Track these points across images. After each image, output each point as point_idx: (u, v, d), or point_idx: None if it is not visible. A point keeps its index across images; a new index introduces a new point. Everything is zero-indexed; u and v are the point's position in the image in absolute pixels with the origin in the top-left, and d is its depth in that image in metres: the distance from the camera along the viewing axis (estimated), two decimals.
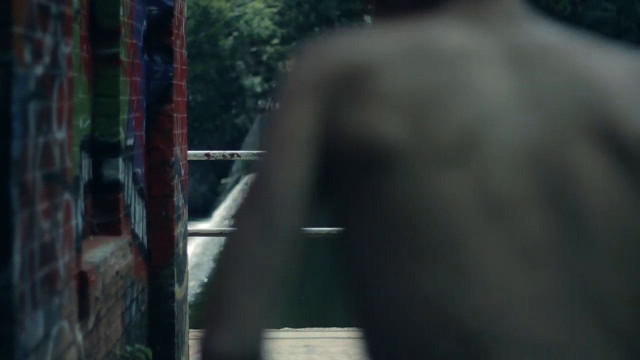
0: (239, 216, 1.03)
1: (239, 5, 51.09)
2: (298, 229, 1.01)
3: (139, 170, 4.58)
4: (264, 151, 1.05)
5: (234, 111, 51.48)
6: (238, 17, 50.46)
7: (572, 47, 1.07)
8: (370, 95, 0.97)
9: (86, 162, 4.02)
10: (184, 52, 5.16)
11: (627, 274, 0.97)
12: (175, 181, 4.85)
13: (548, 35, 1.07)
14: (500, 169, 0.97)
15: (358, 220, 0.98)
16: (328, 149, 0.99)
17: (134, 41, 4.49)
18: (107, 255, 3.78)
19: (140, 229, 4.59)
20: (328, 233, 6.96)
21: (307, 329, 6.57)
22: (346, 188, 0.99)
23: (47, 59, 2.51)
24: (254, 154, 7.14)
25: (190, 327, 5.82)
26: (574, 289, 0.96)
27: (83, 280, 3.28)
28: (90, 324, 3.51)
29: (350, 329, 6.97)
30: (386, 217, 0.96)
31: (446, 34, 1.02)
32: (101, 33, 4.15)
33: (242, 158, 7.21)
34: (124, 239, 4.15)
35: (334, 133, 0.98)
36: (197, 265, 21.96)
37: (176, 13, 4.88)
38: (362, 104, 0.98)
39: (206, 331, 1.08)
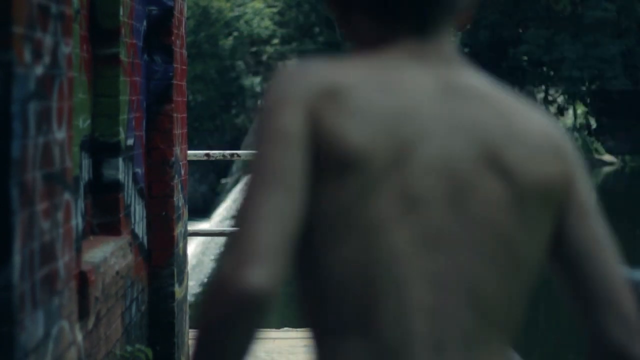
0: (251, 187, 1.29)
1: (239, 5, 51.08)
2: (301, 194, 1.26)
3: (139, 170, 4.58)
4: (263, 143, 1.29)
5: (234, 111, 51.48)
6: (238, 17, 50.45)
7: (487, 90, 1.41)
8: (341, 110, 1.28)
9: (86, 162, 4.02)
10: (184, 52, 5.16)
11: (497, 268, 1.33)
12: (175, 181, 4.85)
13: (472, 78, 1.41)
14: (420, 175, 1.29)
15: (314, 206, 1.28)
16: (314, 149, 1.27)
17: (134, 41, 4.49)
18: (107, 255, 3.78)
19: (140, 229, 4.59)
20: None
21: (307, 329, 6.58)
22: (314, 179, 1.27)
23: (47, 59, 2.51)
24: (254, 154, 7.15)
25: (190, 327, 5.82)
26: (456, 270, 1.31)
27: (83, 280, 3.28)
28: (90, 324, 3.51)
29: None
30: (333, 205, 1.28)
31: (398, 69, 1.35)
32: (101, 33, 4.15)
33: (242, 158, 7.21)
34: (124, 239, 4.15)
35: (314, 134, 1.27)
36: (197, 265, 21.96)
37: (176, 13, 4.88)
38: (333, 115, 1.28)
39: (235, 270, 1.23)
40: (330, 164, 1.28)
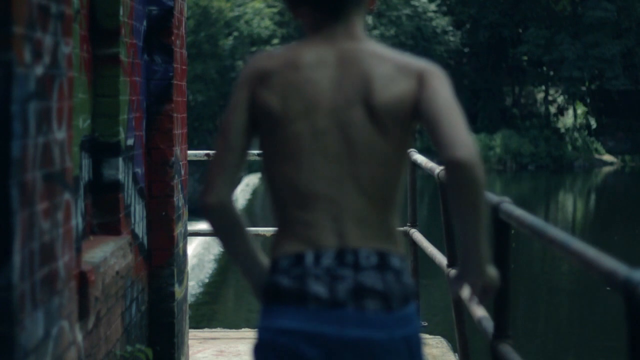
0: (216, 138, 2.26)
1: (239, 5, 51.10)
2: (243, 145, 2.26)
3: (139, 170, 4.58)
4: (227, 109, 2.28)
5: None
6: (238, 17, 50.48)
7: (369, 53, 2.24)
8: (265, 86, 2.21)
9: (86, 162, 4.02)
10: (184, 52, 5.16)
11: (370, 168, 2.20)
12: (175, 181, 4.85)
13: (366, 47, 2.26)
14: (320, 118, 2.19)
15: (264, 146, 2.26)
16: (253, 111, 2.24)
17: (134, 41, 4.49)
18: (107, 255, 3.78)
19: (140, 229, 4.59)
20: None
21: None
22: (259, 130, 2.25)
23: (47, 59, 2.51)
24: (253, 154, 7.14)
25: (190, 327, 5.82)
26: (346, 173, 2.19)
27: (83, 280, 3.28)
28: (90, 324, 3.51)
29: None
30: (273, 144, 2.23)
31: (309, 51, 2.23)
32: (101, 33, 4.15)
33: None
34: (124, 239, 4.15)
35: (253, 104, 2.23)
36: (197, 265, 21.96)
37: (176, 13, 4.88)
38: (262, 90, 2.21)
39: (201, 196, 2.33)
40: (263, 121, 2.23)
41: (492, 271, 2.35)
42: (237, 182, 2.31)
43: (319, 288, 2.18)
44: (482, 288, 2.36)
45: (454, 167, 2.21)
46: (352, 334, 2.16)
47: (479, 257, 2.26)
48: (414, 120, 2.25)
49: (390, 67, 2.21)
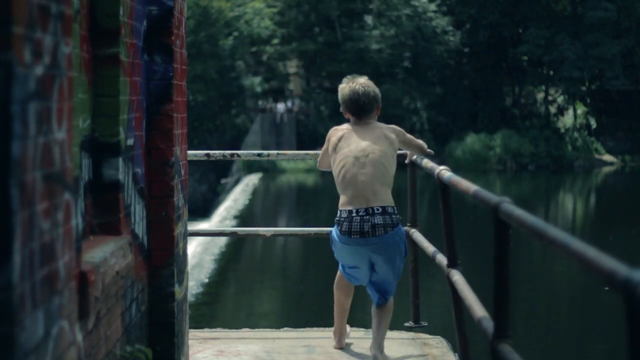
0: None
1: (239, 5, 51.09)
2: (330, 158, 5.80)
3: (139, 170, 4.58)
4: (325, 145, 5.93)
5: (234, 111, 51.52)
6: (238, 17, 50.47)
7: (376, 126, 5.78)
8: (338, 139, 5.77)
9: (86, 162, 4.03)
10: (184, 52, 5.15)
11: (379, 170, 5.56)
12: (175, 181, 4.85)
13: (373, 125, 5.77)
14: (357, 152, 5.63)
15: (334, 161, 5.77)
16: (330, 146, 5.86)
17: (134, 41, 4.49)
18: (107, 255, 3.78)
19: (140, 229, 4.59)
20: (327, 233, 6.96)
21: (307, 329, 6.57)
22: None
23: (47, 59, 2.51)
24: (254, 154, 7.15)
25: (190, 327, 5.82)
26: (369, 173, 5.53)
27: (83, 280, 3.28)
28: (90, 324, 3.51)
29: (350, 329, 6.95)
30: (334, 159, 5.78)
31: (355, 128, 5.79)
32: (101, 33, 4.15)
33: (242, 158, 7.21)
34: (124, 239, 4.15)
35: (331, 143, 5.84)
36: (197, 265, 21.96)
37: (176, 13, 4.88)
38: (337, 141, 5.77)
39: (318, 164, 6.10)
40: (335, 152, 5.70)
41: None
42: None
43: (356, 229, 5.45)
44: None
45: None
46: (372, 245, 5.49)
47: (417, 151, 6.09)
48: (398, 149, 5.79)
49: (385, 129, 5.72)
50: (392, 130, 5.68)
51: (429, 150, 6.06)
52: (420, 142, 6.02)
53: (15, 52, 2.26)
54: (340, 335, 5.96)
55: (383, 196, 5.45)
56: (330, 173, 5.73)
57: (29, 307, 2.37)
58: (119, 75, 4.18)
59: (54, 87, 2.57)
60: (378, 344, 5.51)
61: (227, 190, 41.39)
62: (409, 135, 5.90)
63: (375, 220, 5.41)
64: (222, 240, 25.17)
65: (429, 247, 5.73)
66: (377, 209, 5.41)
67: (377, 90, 5.80)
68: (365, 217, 5.41)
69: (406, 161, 6.45)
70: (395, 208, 5.51)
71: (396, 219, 5.47)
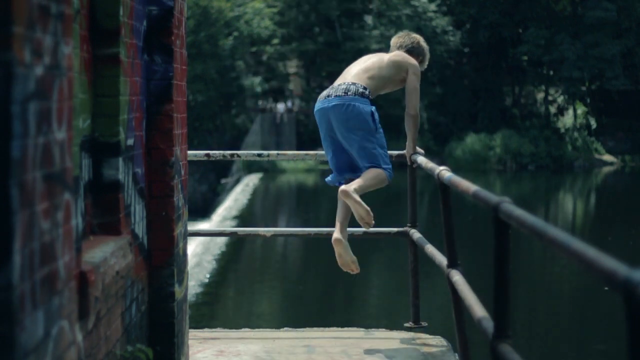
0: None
1: (239, 5, 51.07)
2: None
3: (139, 170, 4.58)
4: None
5: (234, 111, 51.51)
6: (238, 17, 50.45)
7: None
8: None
9: (86, 162, 4.03)
10: (184, 52, 5.15)
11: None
12: (175, 181, 4.85)
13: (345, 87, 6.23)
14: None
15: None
16: None
17: (134, 41, 4.49)
18: (107, 255, 3.78)
19: (140, 229, 4.59)
20: (328, 233, 6.96)
21: (307, 329, 6.57)
22: None
23: (47, 59, 2.51)
24: (254, 154, 7.14)
25: (190, 327, 5.82)
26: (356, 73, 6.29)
27: (83, 280, 3.28)
28: (90, 324, 3.51)
29: (350, 329, 6.96)
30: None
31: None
32: (101, 33, 4.15)
33: (242, 158, 7.21)
34: (124, 239, 4.15)
35: None
36: (197, 265, 21.96)
37: (176, 13, 4.88)
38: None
39: None
40: None
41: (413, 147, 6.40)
42: None
43: (327, 92, 6.18)
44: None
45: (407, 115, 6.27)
46: (334, 107, 6.09)
47: (410, 147, 6.34)
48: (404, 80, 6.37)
49: (405, 61, 6.44)
50: (410, 67, 6.26)
51: (418, 150, 6.37)
52: (414, 114, 6.26)
53: (15, 52, 2.26)
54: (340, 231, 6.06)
55: (363, 80, 6.16)
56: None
57: (29, 307, 2.37)
58: (119, 75, 4.18)
59: (54, 87, 2.57)
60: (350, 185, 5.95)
61: (227, 190, 41.38)
62: (414, 85, 6.25)
63: (343, 87, 6.13)
64: (222, 240, 25.17)
65: (428, 247, 5.73)
66: (350, 83, 6.13)
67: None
68: (338, 87, 6.15)
69: (407, 159, 6.46)
70: (370, 92, 6.13)
71: (364, 94, 6.09)
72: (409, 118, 6.25)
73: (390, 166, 6.13)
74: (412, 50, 6.39)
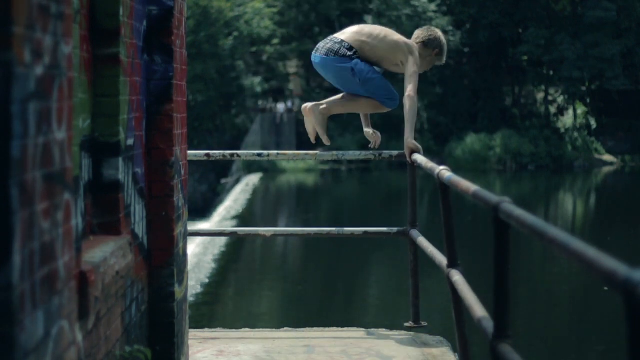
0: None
1: (239, 5, 51.05)
2: None
3: (139, 170, 4.58)
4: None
5: (234, 111, 51.50)
6: (238, 17, 50.44)
7: None
8: None
9: (86, 162, 4.02)
10: (184, 52, 5.15)
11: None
12: (175, 181, 4.85)
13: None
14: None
15: None
16: None
17: (134, 41, 4.49)
18: (107, 255, 3.78)
19: (140, 229, 4.59)
20: (328, 233, 6.96)
21: (307, 329, 6.57)
22: None
23: (47, 59, 2.51)
24: (254, 154, 7.14)
25: (190, 327, 5.82)
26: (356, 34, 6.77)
27: (83, 280, 3.28)
28: (90, 324, 3.51)
29: (350, 329, 6.96)
30: None
31: None
32: (101, 33, 4.15)
33: (242, 158, 7.21)
34: (124, 239, 4.15)
35: None
36: (197, 265, 21.95)
37: (176, 13, 4.88)
38: None
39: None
40: None
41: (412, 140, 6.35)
42: None
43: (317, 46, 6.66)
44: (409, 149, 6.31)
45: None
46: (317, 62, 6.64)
47: (408, 131, 6.32)
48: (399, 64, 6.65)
49: (407, 48, 6.64)
50: (409, 54, 6.55)
51: (416, 145, 6.52)
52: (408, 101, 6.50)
53: (15, 52, 2.26)
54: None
55: (353, 41, 6.55)
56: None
57: (29, 307, 2.37)
58: (119, 75, 4.18)
59: (54, 87, 2.57)
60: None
61: (227, 190, 41.38)
62: (413, 70, 6.53)
63: (329, 45, 6.59)
64: (222, 240, 25.16)
65: (428, 247, 5.73)
66: (338, 41, 6.57)
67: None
68: (325, 44, 6.63)
69: (406, 151, 6.47)
70: (354, 51, 6.52)
71: (346, 54, 6.49)
72: (407, 101, 6.45)
73: (390, 96, 6.65)
74: (428, 42, 6.65)
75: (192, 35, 46.86)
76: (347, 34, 6.63)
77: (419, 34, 6.73)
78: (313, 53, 6.71)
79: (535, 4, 54.35)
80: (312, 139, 6.85)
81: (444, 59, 6.73)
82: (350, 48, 6.52)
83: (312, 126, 6.78)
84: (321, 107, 6.73)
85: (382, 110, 6.78)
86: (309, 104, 6.77)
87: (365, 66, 6.53)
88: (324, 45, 6.63)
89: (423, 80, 55.51)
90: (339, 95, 6.77)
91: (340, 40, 6.57)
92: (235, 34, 49.99)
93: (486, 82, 55.12)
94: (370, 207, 32.32)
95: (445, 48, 6.73)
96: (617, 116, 55.49)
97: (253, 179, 43.32)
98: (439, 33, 6.77)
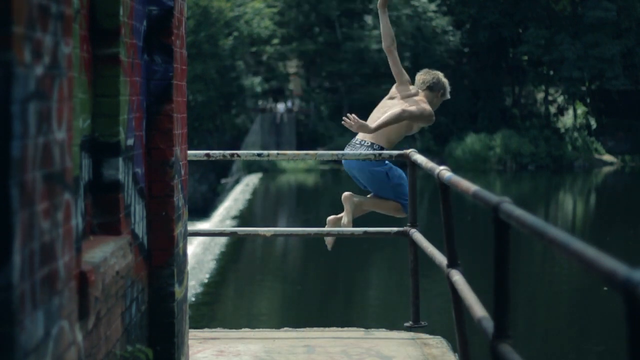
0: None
1: (239, 5, 51.05)
2: None
3: (139, 170, 4.58)
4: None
5: (234, 111, 51.51)
6: (238, 17, 50.44)
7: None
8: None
9: (86, 162, 4.02)
10: (184, 52, 5.15)
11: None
12: (175, 181, 4.85)
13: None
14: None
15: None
16: None
17: (134, 41, 4.49)
18: (107, 255, 3.78)
19: (140, 229, 4.59)
20: (328, 233, 6.96)
21: (307, 329, 6.57)
22: None
23: (47, 59, 2.51)
24: (254, 154, 7.14)
25: (190, 327, 5.82)
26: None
27: (83, 280, 3.28)
28: (90, 324, 3.51)
29: (350, 329, 6.96)
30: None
31: None
32: (101, 33, 4.15)
33: (242, 158, 7.21)
34: (124, 239, 4.15)
35: None
36: (197, 265, 21.95)
37: (176, 13, 4.88)
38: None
39: None
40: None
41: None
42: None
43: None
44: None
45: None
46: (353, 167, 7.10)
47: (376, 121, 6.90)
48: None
49: (414, 104, 7.14)
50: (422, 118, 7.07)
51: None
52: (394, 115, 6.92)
53: (15, 52, 2.26)
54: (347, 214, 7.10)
55: (379, 138, 7.00)
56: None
57: (29, 307, 2.37)
58: (119, 75, 4.18)
59: (54, 87, 2.57)
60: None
61: (227, 190, 41.37)
62: (414, 113, 7.00)
63: (358, 150, 7.02)
64: (222, 240, 25.15)
65: (428, 247, 5.73)
66: (367, 145, 7.02)
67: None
68: (354, 146, 7.11)
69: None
70: (381, 147, 6.99)
71: (377, 155, 6.82)
72: (397, 108, 6.93)
73: (406, 201, 6.95)
74: (433, 86, 7.18)
75: (192, 35, 46.85)
76: (370, 136, 7.01)
77: (422, 79, 7.17)
78: (344, 160, 7.15)
79: (535, 4, 54.34)
80: (330, 246, 7.23)
81: (448, 95, 7.29)
82: (381, 147, 6.99)
83: (347, 216, 7.08)
84: (355, 198, 7.13)
85: (399, 215, 7.15)
86: (348, 193, 7.16)
87: (397, 171, 7.04)
88: (354, 150, 7.03)
89: None
90: (370, 195, 7.21)
91: (370, 143, 7.00)
92: (235, 34, 49.98)
93: (486, 82, 55.11)
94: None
95: (449, 88, 7.28)
96: (617, 116, 55.48)
97: (253, 179, 43.31)
98: (440, 75, 7.29)
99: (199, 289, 19.78)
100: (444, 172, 4.73)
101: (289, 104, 54.20)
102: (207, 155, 6.91)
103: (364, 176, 7.08)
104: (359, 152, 6.92)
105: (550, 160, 51.46)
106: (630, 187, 43.97)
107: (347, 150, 7.07)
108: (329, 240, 7.18)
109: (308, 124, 53.09)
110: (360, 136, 7.10)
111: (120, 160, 4.19)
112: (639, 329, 1.91)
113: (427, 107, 7.06)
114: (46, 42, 2.50)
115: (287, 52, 54.98)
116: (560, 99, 56.84)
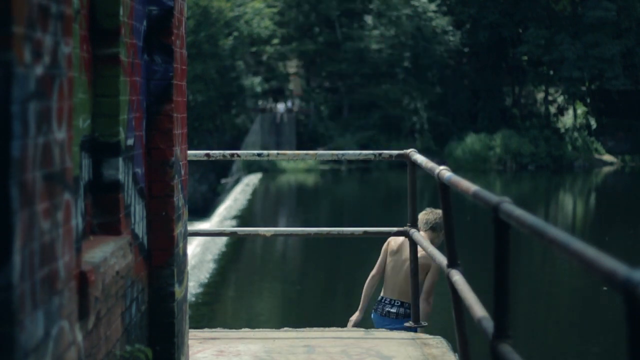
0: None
1: (239, 5, 51.06)
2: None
3: (139, 170, 4.58)
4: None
5: (234, 111, 51.52)
6: (238, 17, 50.44)
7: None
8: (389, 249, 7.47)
9: (86, 162, 4.02)
10: (184, 52, 5.15)
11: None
12: (175, 181, 4.85)
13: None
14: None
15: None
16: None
17: (134, 41, 4.49)
18: (107, 255, 3.78)
19: (140, 229, 4.59)
20: (328, 233, 6.96)
21: (307, 329, 6.57)
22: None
23: (47, 59, 2.51)
24: (254, 154, 7.14)
25: (190, 327, 5.82)
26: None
27: (83, 280, 3.28)
28: (90, 324, 3.51)
29: (350, 329, 6.96)
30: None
31: None
32: (101, 33, 4.15)
33: (242, 158, 7.21)
34: (124, 239, 4.15)
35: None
36: (197, 265, 21.95)
37: (176, 13, 4.88)
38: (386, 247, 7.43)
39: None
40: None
41: None
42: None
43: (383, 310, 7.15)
44: None
45: None
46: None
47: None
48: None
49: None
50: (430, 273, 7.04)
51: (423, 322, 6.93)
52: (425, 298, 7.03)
53: (15, 52, 2.26)
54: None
55: (404, 296, 7.09)
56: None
57: (29, 307, 2.37)
58: (119, 75, 4.18)
59: (54, 87, 2.57)
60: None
61: (227, 190, 41.36)
62: (436, 279, 7.04)
63: (391, 309, 7.13)
64: (222, 240, 25.15)
65: (428, 247, 5.73)
66: (398, 305, 7.12)
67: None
68: (385, 306, 7.19)
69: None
70: (408, 305, 6.98)
71: (406, 312, 7.03)
72: (425, 303, 6.94)
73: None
74: (436, 227, 7.07)
75: (192, 35, 46.85)
76: (398, 293, 7.11)
77: (425, 219, 7.05)
78: (375, 313, 7.18)
79: (535, 4, 54.35)
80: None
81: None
82: (408, 307, 7.01)
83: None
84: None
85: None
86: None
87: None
88: (384, 309, 7.11)
89: (423, 80, 55.61)
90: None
91: (400, 302, 7.06)
92: (235, 34, 49.98)
93: (486, 82, 55.11)
94: (370, 207, 32.33)
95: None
96: (617, 116, 55.48)
97: (253, 179, 43.31)
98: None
99: (199, 289, 19.78)
100: (444, 172, 4.73)
101: (289, 104, 54.20)
102: (207, 155, 6.91)
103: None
104: (388, 309, 7.13)
105: (550, 160, 51.47)
106: (630, 187, 43.97)
107: (377, 310, 7.16)
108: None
109: (308, 124, 53.08)
110: (388, 294, 7.17)
111: (120, 160, 4.19)
112: (639, 329, 1.91)
113: (437, 269, 6.95)
114: (46, 42, 2.50)
115: (287, 52, 54.98)
116: (560, 99, 56.84)
